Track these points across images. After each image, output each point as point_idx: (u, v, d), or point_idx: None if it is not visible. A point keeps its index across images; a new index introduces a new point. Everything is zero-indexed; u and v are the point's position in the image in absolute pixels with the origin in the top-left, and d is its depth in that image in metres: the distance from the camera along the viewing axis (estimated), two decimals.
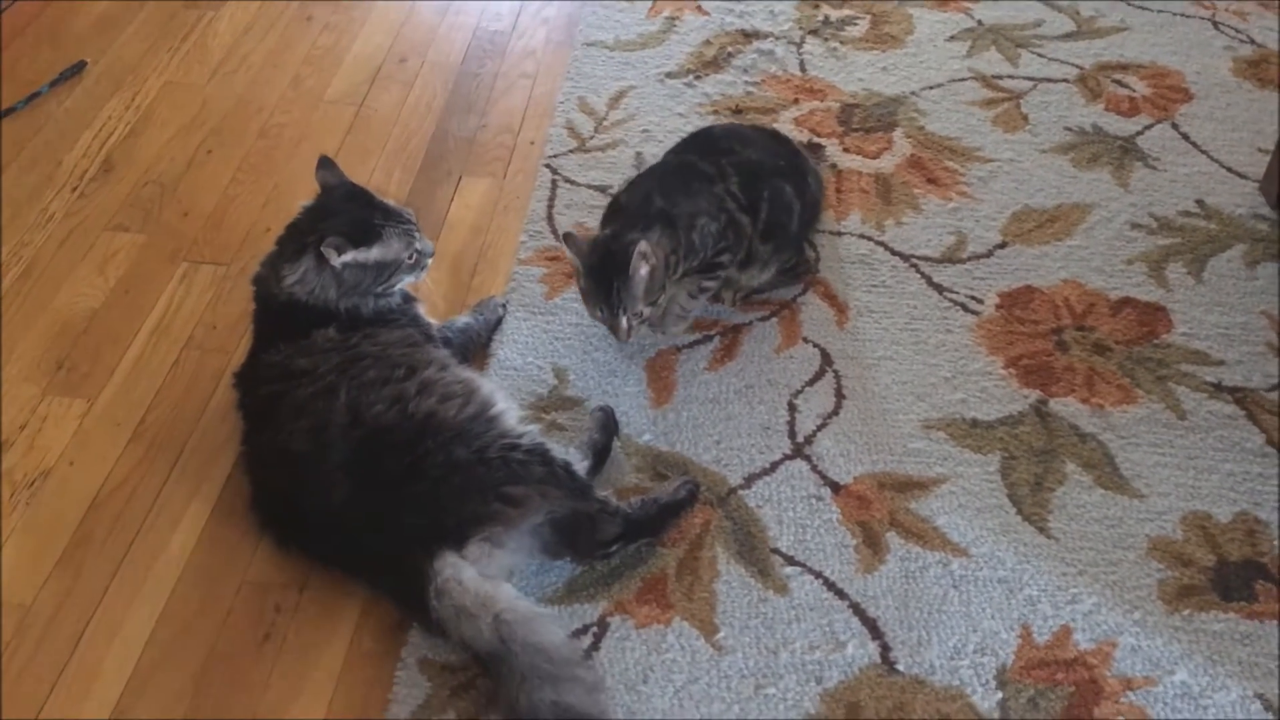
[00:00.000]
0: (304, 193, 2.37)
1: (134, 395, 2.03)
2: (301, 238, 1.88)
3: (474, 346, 2.07)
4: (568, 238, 1.96)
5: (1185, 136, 2.48)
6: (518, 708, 1.51)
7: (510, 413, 1.78)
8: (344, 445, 1.70)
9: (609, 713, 1.54)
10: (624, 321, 1.92)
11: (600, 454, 1.85)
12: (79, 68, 2.75)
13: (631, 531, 1.74)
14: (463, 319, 2.08)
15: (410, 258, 1.91)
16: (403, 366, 1.79)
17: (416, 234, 1.93)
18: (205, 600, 1.74)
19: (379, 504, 1.66)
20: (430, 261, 1.97)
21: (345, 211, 1.91)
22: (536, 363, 2.06)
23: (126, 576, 1.77)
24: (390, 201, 1.97)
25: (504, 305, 2.15)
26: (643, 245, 1.87)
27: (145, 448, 1.95)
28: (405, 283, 1.94)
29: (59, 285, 2.24)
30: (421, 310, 1.99)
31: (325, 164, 1.99)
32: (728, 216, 2.02)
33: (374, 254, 1.86)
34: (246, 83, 2.73)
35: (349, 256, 1.83)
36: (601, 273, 1.91)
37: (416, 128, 2.60)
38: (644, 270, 1.88)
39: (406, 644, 1.67)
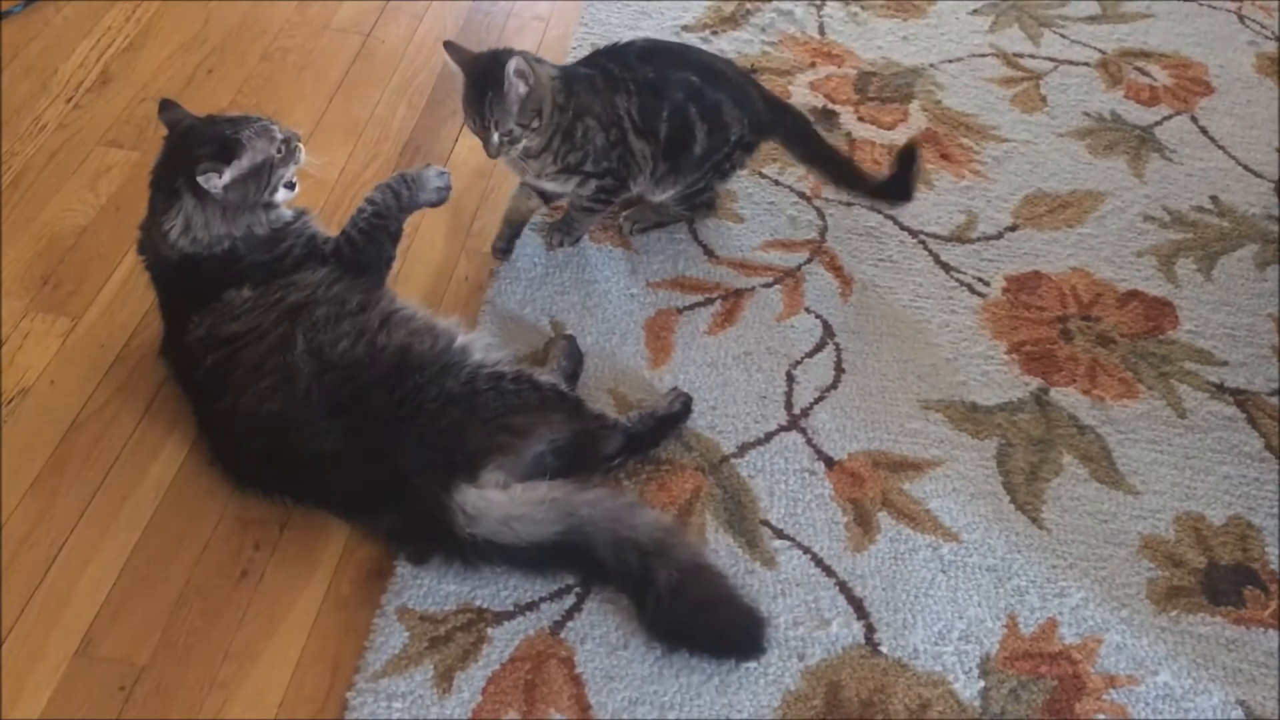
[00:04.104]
0: (303, 120, 2.35)
1: (120, 317, 1.99)
2: (168, 185, 1.79)
3: (386, 239, 1.90)
4: (449, 45, 1.93)
5: (1204, 130, 2.44)
6: (615, 552, 1.57)
7: (476, 342, 1.77)
8: (321, 393, 1.66)
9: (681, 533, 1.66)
10: (495, 136, 1.89)
11: (571, 382, 1.85)
12: None
13: (632, 444, 1.77)
14: (368, 195, 1.92)
15: (279, 150, 1.82)
16: (351, 301, 1.75)
17: (275, 127, 1.83)
18: (183, 532, 1.71)
19: (377, 444, 1.63)
20: (301, 144, 1.87)
21: (194, 140, 1.80)
22: (533, 314, 2.02)
23: (103, 503, 1.74)
24: (232, 113, 1.88)
25: (444, 177, 1.96)
26: (518, 61, 1.85)
27: (128, 372, 1.91)
28: (286, 181, 1.84)
29: (48, 198, 2.18)
30: (314, 221, 1.90)
31: (166, 106, 1.88)
32: (619, 133, 1.99)
33: (245, 162, 1.77)
34: (251, 3, 2.66)
35: (227, 176, 1.74)
36: (480, 83, 1.88)
37: (424, 62, 2.54)
38: (520, 87, 1.87)
39: (386, 591, 1.64)
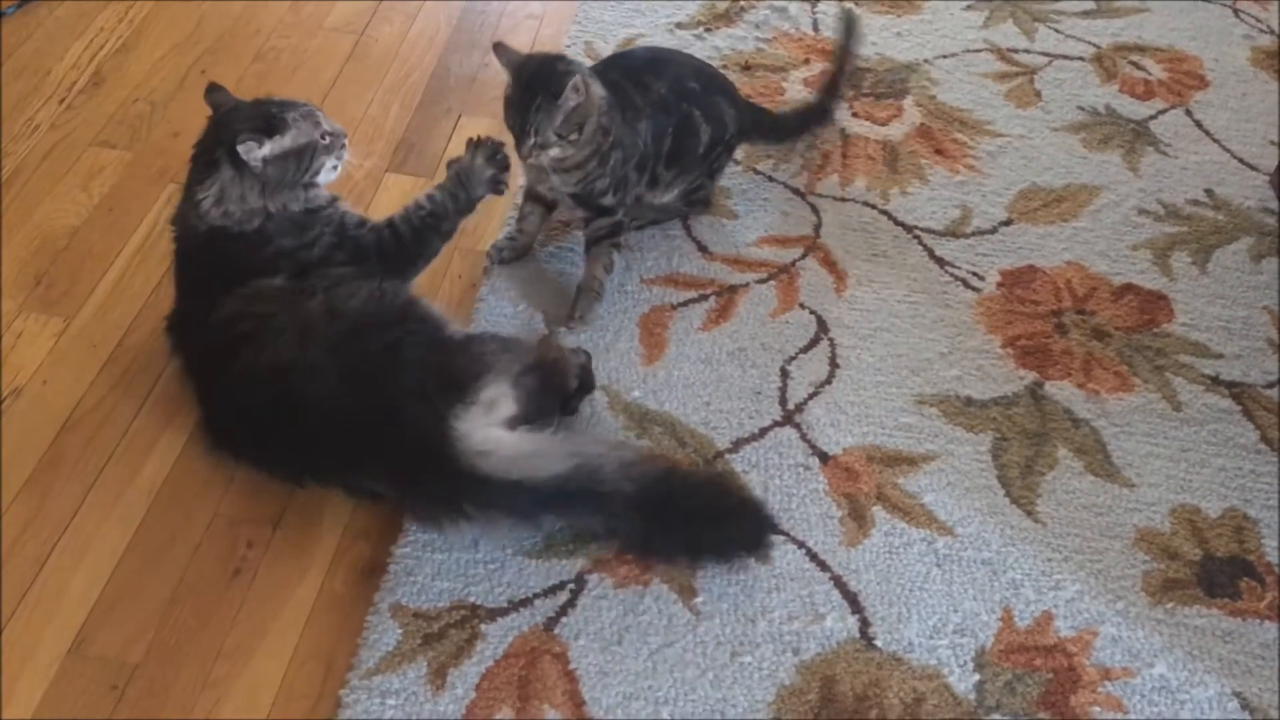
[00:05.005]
0: None
1: (112, 317, 1.98)
2: (208, 157, 1.80)
3: (436, 237, 1.91)
4: (498, 46, 1.90)
5: (1198, 124, 2.44)
6: (620, 495, 1.61)
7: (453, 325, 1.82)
8: (325, 338, 1.68)
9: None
10: (531, 139, 1.85)
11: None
12: None
13: (579, 388, 1.83)
14: (426, 194, 1.93)
15: (324, 138, 1.83)
16: (373, 280, 1.78)
17: (320, 116, 1.85)
18: (176, 531, 1.70)
19: (369, 381, 1.64)
20: (346, 142, 1.88)
21: (239, 116, 1.81)
22: (526, 311, 2.02)
23: (96, 502, 1.73)
24: (280, 97, 1.89)
25: (494, 178, 1.95)
26: (579, 78, 1.83)
27: (121, 371, 1.90)
28: (329, 167, 1.85)
29: (41, 199, 2.17)
30: (347, 206, 1.90)
31: (214, 89, 1.89)
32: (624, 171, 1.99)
33: (288, 140, 1.78)
34: (244, 3, 2.66)
35: (266, 149, 1.75)
36: (531, 86, 1.85)
37: (417, 62, 2.54)
38: (572, 100, 1.84)
39: (379, 588, 1.64)
